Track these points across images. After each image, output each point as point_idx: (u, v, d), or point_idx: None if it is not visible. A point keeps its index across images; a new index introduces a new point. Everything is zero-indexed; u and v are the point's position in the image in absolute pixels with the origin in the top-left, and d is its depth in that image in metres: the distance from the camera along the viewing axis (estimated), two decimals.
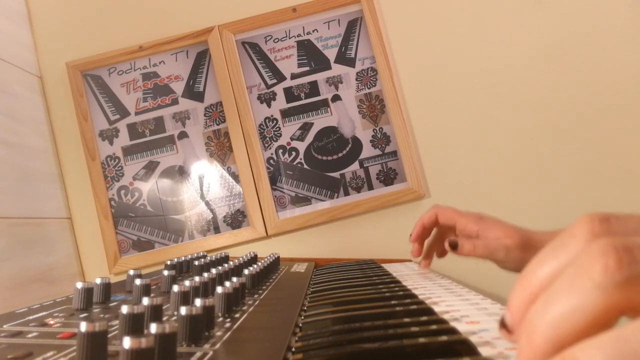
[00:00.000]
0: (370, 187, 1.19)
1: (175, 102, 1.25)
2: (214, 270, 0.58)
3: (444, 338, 0.34)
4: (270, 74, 1.24)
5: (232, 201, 1.21)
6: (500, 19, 1.23)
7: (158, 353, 0.27)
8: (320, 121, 1.22)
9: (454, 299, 0.52)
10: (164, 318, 0.41)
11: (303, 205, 1.20)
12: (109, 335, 0.30)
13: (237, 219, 1.21)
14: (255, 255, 0.84)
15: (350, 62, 1.24)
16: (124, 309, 0.34)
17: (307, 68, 1.24)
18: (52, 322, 0.43)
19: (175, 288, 0.45)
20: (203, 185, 1.22)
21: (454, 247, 0.69)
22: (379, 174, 1.20)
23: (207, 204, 1.22)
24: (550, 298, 0.19)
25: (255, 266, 0.63)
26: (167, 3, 1.28)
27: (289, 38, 1.25)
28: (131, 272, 0.61)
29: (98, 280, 0.53)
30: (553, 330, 0.19)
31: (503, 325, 0.23)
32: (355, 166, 1.20)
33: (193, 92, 1.25)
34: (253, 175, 1.20)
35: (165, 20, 1.27)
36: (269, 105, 1.23)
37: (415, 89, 1.22)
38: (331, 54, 1.24)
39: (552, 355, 0.19)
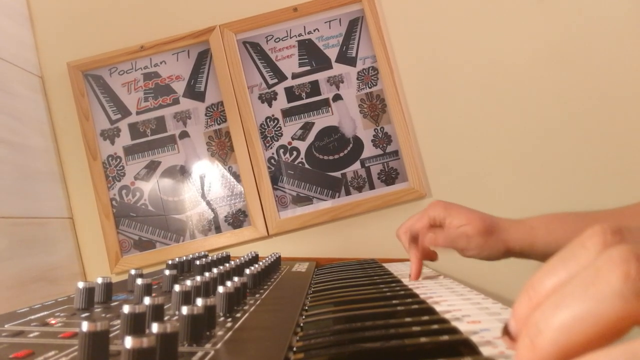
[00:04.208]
0: (372, 187, 1.19)
1: (176, 101, 1.25)
2: (215, 270, 0.58)
3: (445, 338, 0.34)
4: (271, 73, 1.24)
5: (233, 201, 1.21)
6: (501, 18, 1.23)
7: (159, 353, 0.27)
8: (321, 121, 1.22)
9: (456, 299, 0.52)
10: (166, 318, 0.41)
11: (304, 205, 1.20)
12: (111, 335, 0.30)
13: (238, 219, 1.21)
14: (257, 255, 0.84)
15: (351, 62, 1.24)
16: (126, 309, 0.34)
17: (308, 67, 1.24)
18: (53, 321, 0.43)
19: (177, 288, 0.45)
20: (204, 185, 1.22)
21: (415, 240, 0.71)
22: (380, 173, 1.20)
23: (208, 203, 1.22)
24: (562, 301, 0.19)
25: (256, 266, 0.63)
26: (168, 3, 1.28)
27: (290, 37, 1.25)
28: (132, 272, 0.62)
29: (99, 280, 0.53)
30: (562, 335, 0.18)
31: (506, 332, 0.23)
32: (356, 166, 1.20)
33: (194, 92, 1.25)
34: (254, 175, 1.20)
35: (166, 20, 1.27)
36: (270, 105, 1.23)
37: (416, 88, 1.22)
38: (332, 53, 1.24)
39: None
